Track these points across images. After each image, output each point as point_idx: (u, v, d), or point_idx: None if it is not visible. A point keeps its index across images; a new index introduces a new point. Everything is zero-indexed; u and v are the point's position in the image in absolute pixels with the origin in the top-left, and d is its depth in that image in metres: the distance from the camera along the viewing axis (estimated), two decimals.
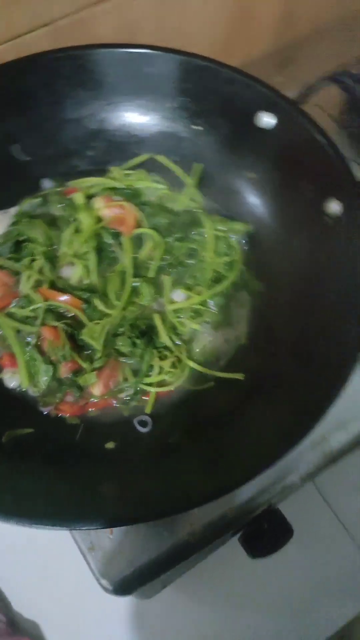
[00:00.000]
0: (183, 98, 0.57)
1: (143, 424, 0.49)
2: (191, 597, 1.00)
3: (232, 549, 0.64)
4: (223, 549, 0.64)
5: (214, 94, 0.56)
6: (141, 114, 0.60)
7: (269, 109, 0.53)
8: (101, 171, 0.60)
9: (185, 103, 0.58)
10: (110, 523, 0.38)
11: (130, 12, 0.63)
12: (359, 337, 0.43)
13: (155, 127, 0.60)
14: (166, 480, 0.41)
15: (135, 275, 0.54)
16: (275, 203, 0.57)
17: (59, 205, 0.57)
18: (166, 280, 0.54)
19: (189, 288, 0.54)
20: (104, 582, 0.50)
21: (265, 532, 0.59)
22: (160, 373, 0.50)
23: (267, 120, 0.53)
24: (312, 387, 0.43)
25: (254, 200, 0.59)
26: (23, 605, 0.95)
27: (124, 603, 0.96)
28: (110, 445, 0.47)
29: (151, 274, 0.54)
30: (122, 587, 0.51)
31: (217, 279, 0.54)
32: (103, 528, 0.46)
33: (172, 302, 0.54)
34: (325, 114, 0.71)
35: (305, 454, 0.55)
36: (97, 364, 0.50)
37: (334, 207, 0.49)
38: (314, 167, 0.52)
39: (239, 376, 0.50)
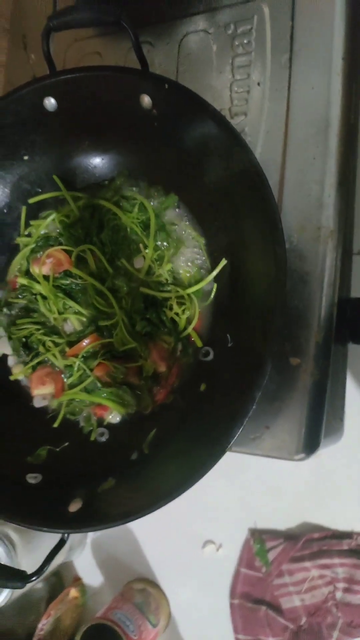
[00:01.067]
0: None
1: None
2: None
3: None
4: None
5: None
6: None
7: None
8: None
9: None
10: None
11: None
12: None
13: None
14: None
15: (103, 282, 0.62)
16: None
17: (24, 299, 0.66)
18: (122, 262, 0.62)
19: (139, 251, 0.61)
20: (298, 456, 0.60)
21: None
22: (180, 315, 0.59)
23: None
24: None
25: None
26: None
27: None
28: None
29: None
30: (310, 441, 0.61)
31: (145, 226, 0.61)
32: None
33: (138, 270, 0.61)
34: None
35: None
36: (145, 353, 0.60)
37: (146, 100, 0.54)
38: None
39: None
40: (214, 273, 0.56)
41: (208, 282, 0.57)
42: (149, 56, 0.69)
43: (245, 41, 0.66)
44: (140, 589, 0.84)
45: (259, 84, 0.64)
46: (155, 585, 0.87)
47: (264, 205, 0.48)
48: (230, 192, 0.53)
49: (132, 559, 0.89)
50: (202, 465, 0.46)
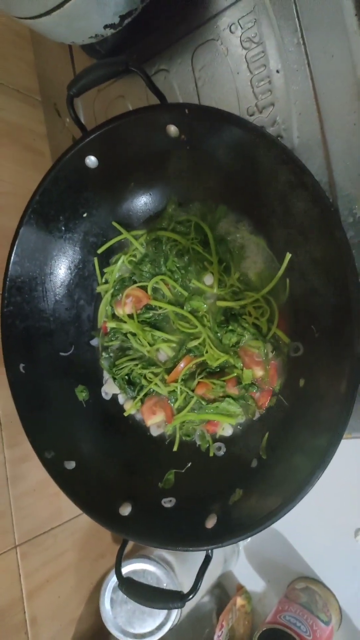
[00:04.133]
0: None
1: None
2: None
3: None
4: None
5: None
6: None
7: None
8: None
9: None
10: None
11: None
12: None
13: None
14: None
15: (182, 306, 0.65)
16: None
17: (117, 340, 0.71)
18: (194, 282, 0.64)
19: (205, 268, 0.63)
20: None
21: None
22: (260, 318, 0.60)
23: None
24: None
25: None
26: None
27: None
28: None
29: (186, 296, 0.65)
30: None
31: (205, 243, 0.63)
32: None
33: (210, 286, 0.63)
34: None
35: None
36: (238, 363, 0.61)
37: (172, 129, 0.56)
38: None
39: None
40: (282, 270, 0.56)
41: (278, 279, 0.57)
42: (166, 82, 0.72)
43: (252, 34, 0.65)
44: (303, 588, 0.84)
45: (277, 71, 0.64)
46: (317, 582, 0.86)
47: (309, 191, 0.47)
48: (274, 187, 0.53)
49: (288, 559, 0.89)
50: (324, 455, 0.47)
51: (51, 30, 0.64)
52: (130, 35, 0.74)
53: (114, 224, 0.69)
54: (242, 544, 0.94)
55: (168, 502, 0.61)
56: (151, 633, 0.77)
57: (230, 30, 0.67)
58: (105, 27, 0.64)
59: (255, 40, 0.65)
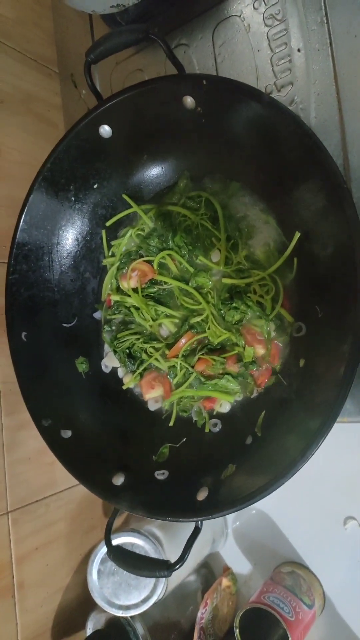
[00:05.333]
0: None
1: None
2: None
3: None
4: None
5: None
6: None
7: None
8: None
9: None
10: None
11: None
12: None
13: None
14: None
15: (187, 282, 0.65)
16: None
17: (120, 314, 0.71)
18: (201, 259, 0.64)
19: (213, 245, 0.63)
20: None
21: None
22: (265, 297, 0.60)
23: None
24: None
25: None
26: None
27: None
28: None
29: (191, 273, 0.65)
30: None
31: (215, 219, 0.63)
32: None
33: (217, 263, 0.63)
34: None
35: None
36: (240, 341, 0.61)
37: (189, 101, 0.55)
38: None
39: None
40: (290, 248, 0.56)
41: (286, 258, 0.57)
42: (186, 56, 0.71)
43: (275, 11, 0.65)
44: (289, 572, 0.85)
45: (299, 50, 0.63)
46: (303, 567, 0.87)
47: (322, 167, 0.47)
48: (289, 165, 0.53)
49: (276, 543, 0.90)
50: (317, 436, 0.47)
51: None
52: (151, 7, 0.73)
53: (124, 196, 0.69)
54: (231, 526, 0.95)
55: (161, 475, 0.61)
56: (136, 605, 0.78)
57: (254, 7, 0.66)
58: None
59: (279, 17, 0.64)
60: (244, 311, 0.60)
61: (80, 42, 0.87)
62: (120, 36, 0.57)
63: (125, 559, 0.57)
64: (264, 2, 0.65)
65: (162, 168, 0.68)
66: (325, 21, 0.61)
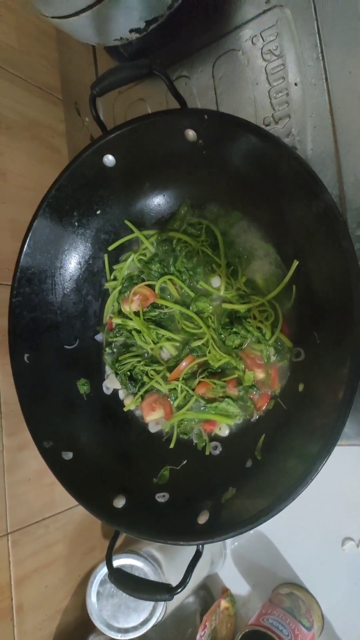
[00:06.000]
0: None
1: None
2: None
3: None
4: None
5: None
6: None
7: None
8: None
9: None
10: None
11: None
12: None
13: None
14: None
15: (187, 306, 0.66)
16: None
17: (122, 337, 0.73)
18: (201, 284, 0.66)
19: (213, 270, 0.65)
20: None
21: None
22: (265, 322, 0.61)
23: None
24: None
25: None
26: None
27: None
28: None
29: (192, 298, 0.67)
30: None
31: (215, 246, 0.65)
32: None
33: (217, 288, 0.65)
34: None
35: None
36: (240, 365, 0.63)
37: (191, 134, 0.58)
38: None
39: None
40: (288, 276, 0.58)
41: (284, 285, 0.59)
42: (187, 88, 0.74)
43: (273, 47, 0.67)
44: (287, 593, 0.85)
45: (296, 84, 0.66)
46: (302, 588, 0.87)
47: (318, 199, 0.49)
48: (287, 196, 0.55)
49: (274, 564, 0.90)
50: (317, 460, 0.48)
51: (78, 30, 0.66)
52: (154, 40, 0.76)
53: (127, 222, 0.71)
54: (230, 547, 0.95)
55: (162, 497, 0.62)
56: (135, 628, 0.78)
57: (252, 42, 0.69)
58: (131, 31, 0.66)
59: (276, 53, 0.67)
60: (244, 336, 0.61)
61: (84, 72, 0.90)
62: (124, 71, 0.59)
63: (126, 582, 0.57)
64: (262, 38, 0.68)
65: (164, 196, 0.70)
66: (321, 57, 0.63)
